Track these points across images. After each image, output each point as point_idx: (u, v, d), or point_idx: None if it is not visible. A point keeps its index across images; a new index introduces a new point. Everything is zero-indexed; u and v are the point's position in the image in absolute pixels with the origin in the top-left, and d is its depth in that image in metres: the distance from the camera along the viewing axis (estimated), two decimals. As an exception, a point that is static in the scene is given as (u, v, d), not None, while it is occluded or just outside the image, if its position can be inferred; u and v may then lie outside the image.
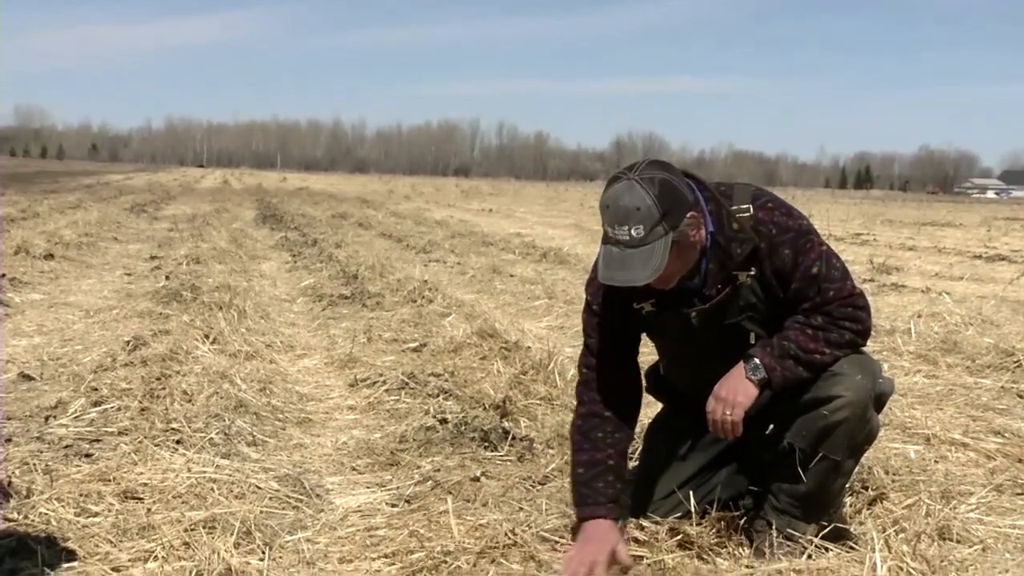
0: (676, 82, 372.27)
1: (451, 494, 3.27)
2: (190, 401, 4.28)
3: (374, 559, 2.84)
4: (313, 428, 4.36)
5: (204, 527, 2.87)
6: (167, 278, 8.70)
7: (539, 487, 3.50)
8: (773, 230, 2.75)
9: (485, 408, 4.36)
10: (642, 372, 3.08)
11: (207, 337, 5.65)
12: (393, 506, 3.30)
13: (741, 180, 2.99)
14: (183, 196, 29.46)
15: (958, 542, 3.06)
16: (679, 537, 2.87)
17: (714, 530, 2.92)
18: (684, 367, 3.02)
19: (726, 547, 2.90)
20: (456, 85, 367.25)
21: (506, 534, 2.85)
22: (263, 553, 2.78)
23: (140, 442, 3.62)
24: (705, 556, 2.84)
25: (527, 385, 4.71)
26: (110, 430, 3.94)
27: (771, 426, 2.87)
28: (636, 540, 2.90)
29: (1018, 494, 3.60)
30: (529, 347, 5.60)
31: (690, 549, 2.85)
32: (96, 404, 4.27)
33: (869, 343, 2.88)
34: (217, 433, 3.84)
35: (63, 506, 3.05)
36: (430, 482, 3.48)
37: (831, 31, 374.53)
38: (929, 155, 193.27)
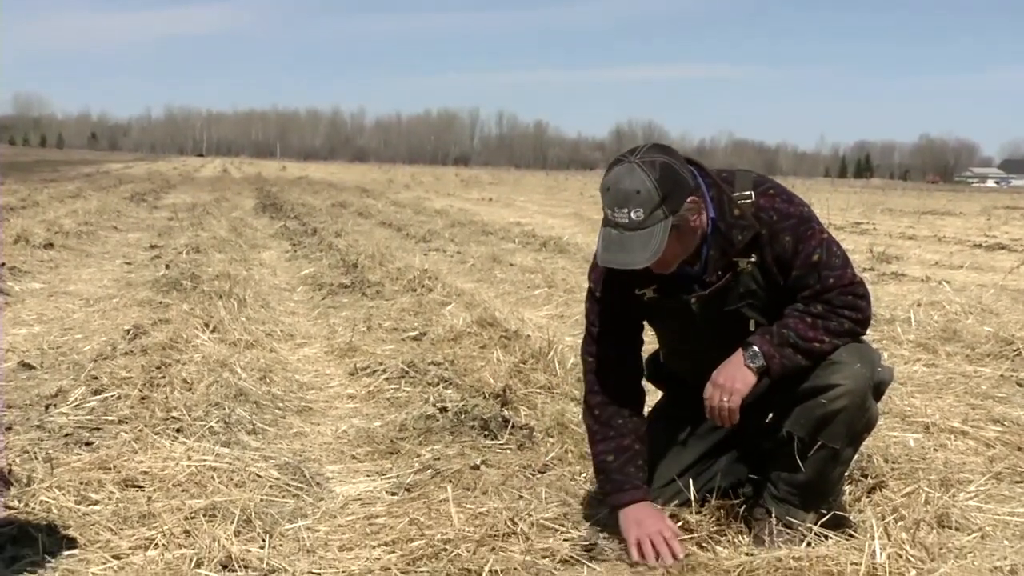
0: (676, 70, 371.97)
1: (451, 482, 3.27)
2: (190, 390, 4.28)
3: (374, 547, 2.84)
4: (313, 417, 4.36)
5: (204, 515, 2.88)
6: (167, 267, 8.70)
7: (539, 475, 3.50)
8: (774, 217, 2.75)
9: (485, 397, 4.36)
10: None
11: (207, 326, 5.65)
12: (393, 494, 3.30)
13: (742, 167, 2.99)
14: (183, 185, 29.43)
15: (957, 530, 3.07)
16: (679, 525, 2.88)
17: (713, 518, 2.93)
18: (684, 354, 3.03)
19: (725, 535, 2.91)
20: (456, 74, 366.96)
21: (506, 522, 2.86)
22: (263, 541, 2.79)
23: (140, 430, 3.63)
24: (705, 544, 2.85)
25: (527, 374, 4.71)
26: (110, 418, 3.95)
27: (770, 414, 2.88)
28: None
29: (1017, 482, 3.61)
30: (529, 336, 5.60)
31: (690, 537, 2.86)
32: (96, 393, 4.27)
33: (869, 332, 2.88)
34: (217, 422, 3.84)
35: (64, 494, 3.06)
36: (430, 470, 3.48)
37: (831, 20, 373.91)
38: (929, 144, 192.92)
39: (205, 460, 3.33)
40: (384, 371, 4.90)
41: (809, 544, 2.68)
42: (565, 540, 2.88)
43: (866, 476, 3.35)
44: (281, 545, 2.83)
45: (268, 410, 4.29)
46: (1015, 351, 5.62)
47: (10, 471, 3.19)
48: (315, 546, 2.86)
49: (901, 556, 2.50)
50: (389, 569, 2.68)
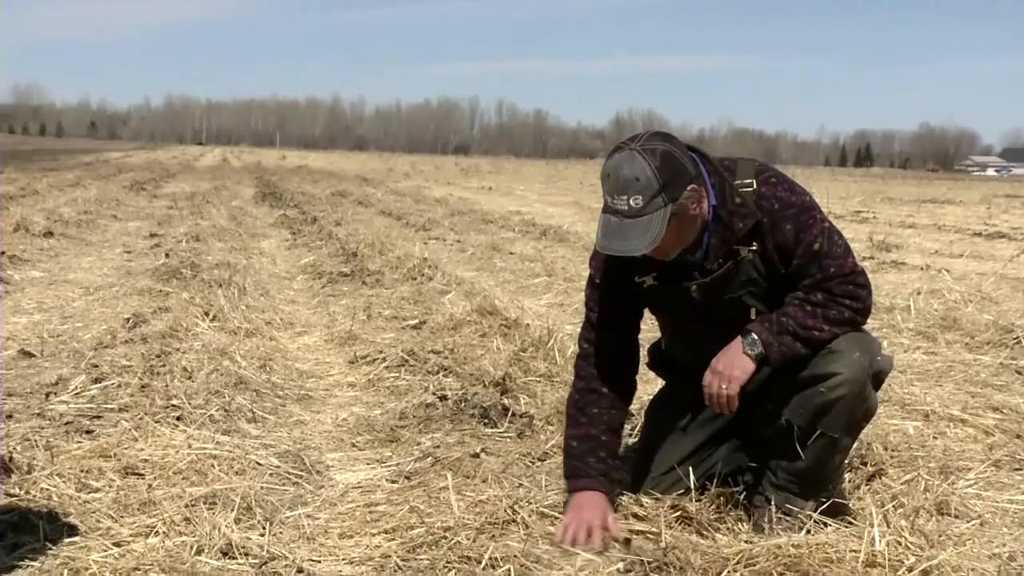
0: (676, 60, 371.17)
1: (451, 470, 3.28)
2: (190, 378, 4.28)
3: (374, 535, 2.85)
4: (313, 405, 4.37)
5: (205, 503, 2.88)
6: (167, 256, 8.69)
7: (539, 463, 3.51)
8: (776, 205, 2.75)
9: (485, 385, 4.37)
10: (643, 349, 3.08)
11: (207, 314, 5.65)
12: (393, 482, 3.31)
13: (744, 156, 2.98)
14: (182, 174, 29.39)
15: (956, 517, 3.07)
16: (678, 513, 2.88)
17: (713, 506, 2.93)
18: (685, 342, 3.03)
19: (725, 522, 2.91)
20: (455, 63, 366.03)
21: (506, 510, 2.86)
22: (264, 529, 2.79)
23: (140, 418, 3.63)
24: (704, 532, 2.85)
25: (527, 362, 4.72)
26: (111, 407, 3.95)
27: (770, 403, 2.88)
28: (636, 515, 2.92)
29: (1016, 469, 3.61)
30: (529, 324, 5.60)
31: (689, 524, 2.86)
32: (96, 381, 4.28)
33: (869, 320, 2.88)
34: (217, 410, 3.84)
35: (64, 482, 3.06)
36: (430, 458, 3.49)
37: (831, 8, 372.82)
38: (929, 133, 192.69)
39: (205, 448, 3.34)
40: (384, 359, 4.90)
41: (808, 532, 2.68)
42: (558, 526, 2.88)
43: (865, 464, 3.35)
44: (281, 533, 2.84)
45: (268, 398, 4.29)
46: (1015, 339, 5.62)
47: (11, 459, 3.20)
48: (315, 534, 2.86)
49: (900, 543, 2.50)
50: (389, 557, 2.68)
